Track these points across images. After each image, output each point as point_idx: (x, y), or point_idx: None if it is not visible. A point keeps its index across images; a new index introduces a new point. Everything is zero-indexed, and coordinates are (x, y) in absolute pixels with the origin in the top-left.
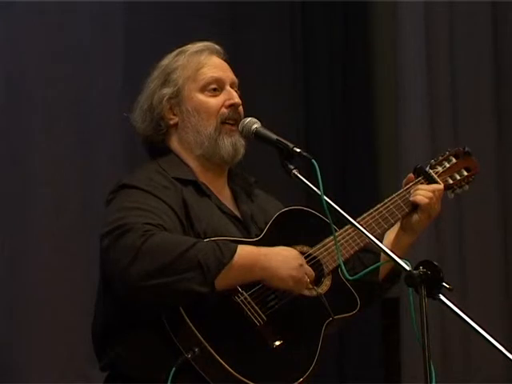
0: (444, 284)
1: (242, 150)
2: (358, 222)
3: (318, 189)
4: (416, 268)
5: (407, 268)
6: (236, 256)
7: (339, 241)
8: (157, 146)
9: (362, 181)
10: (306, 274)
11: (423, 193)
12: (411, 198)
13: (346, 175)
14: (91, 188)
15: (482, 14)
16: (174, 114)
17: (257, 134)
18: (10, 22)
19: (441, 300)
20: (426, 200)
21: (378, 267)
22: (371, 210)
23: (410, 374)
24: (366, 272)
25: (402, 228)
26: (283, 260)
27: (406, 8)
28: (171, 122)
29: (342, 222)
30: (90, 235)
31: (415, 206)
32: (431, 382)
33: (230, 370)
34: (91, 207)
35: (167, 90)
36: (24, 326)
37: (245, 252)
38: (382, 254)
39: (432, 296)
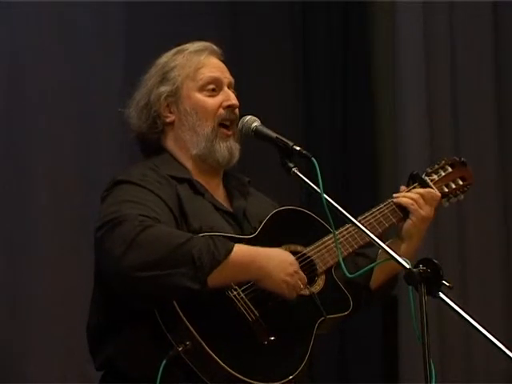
0: (444, 282)
1: (237, 154)
2: (353, 225)
3: (318, 187)
4: (416, 266)
5: (407, 266)
6: (231, 254)
7: (335, 242)
8: (151, 145)
9: (361, 181)
10: (300, 280)
11: (408, 195)
12: (395, 200)
13: (346, 176)
14: (91, 188)
15: (482, 14)
16: (171, 112)
17: (257, 131)
18: (10, 22)
19: (441, 298)
20: (410, 201)
21: (375, 267)
22: (366, 214)
23: (409, 373)
24: (365, 270)
25: (398, 236)
26: (279, 264)
27: (405, 8)
28: (168, 120)
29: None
30: (90, 235)
31: (408, 211)
32: (431, 381)
33: (220, 363)
34: (91, 207)
35: (165, 88)
36: (24, 325)
37: (241, 251)
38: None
39: (432, 294)
